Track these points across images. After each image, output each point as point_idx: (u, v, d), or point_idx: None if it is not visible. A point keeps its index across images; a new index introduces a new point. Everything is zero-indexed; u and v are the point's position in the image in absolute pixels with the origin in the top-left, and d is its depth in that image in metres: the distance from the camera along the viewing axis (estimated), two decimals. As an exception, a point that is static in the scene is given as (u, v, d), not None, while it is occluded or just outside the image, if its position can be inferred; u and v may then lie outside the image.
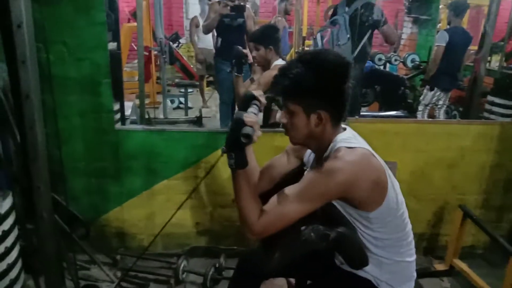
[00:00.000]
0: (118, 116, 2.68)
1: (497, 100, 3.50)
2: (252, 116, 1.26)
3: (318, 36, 3.29)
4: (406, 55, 4.65)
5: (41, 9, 2.00)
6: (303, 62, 1.25)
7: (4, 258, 1.81)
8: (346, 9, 3.09)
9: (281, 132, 1.39)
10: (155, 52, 5.28)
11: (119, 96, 2.69)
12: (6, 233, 1.82)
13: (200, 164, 2.38)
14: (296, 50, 5.95)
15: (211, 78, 6.36)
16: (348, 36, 3.02)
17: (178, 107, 6.01)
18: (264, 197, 1.28)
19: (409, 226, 1.38)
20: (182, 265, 2.30)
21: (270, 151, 1.81)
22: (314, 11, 7.76)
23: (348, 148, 1.24)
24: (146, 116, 3.86)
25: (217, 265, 2.34)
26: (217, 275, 2.32)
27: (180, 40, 7.77)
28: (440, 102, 4.24)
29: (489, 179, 2.55)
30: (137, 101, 3.94)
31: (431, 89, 4.20)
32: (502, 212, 2.64)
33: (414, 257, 1.41)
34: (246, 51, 2.57)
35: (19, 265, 1.95)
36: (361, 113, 3.89)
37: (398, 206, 1.31)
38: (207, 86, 6.66)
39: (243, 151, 1.25)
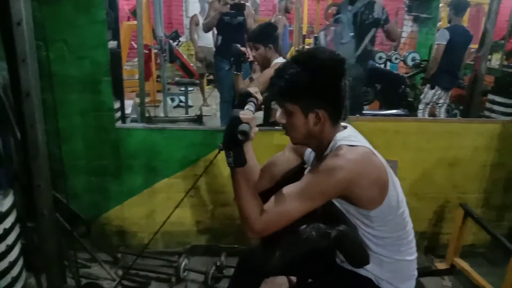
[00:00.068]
0: (118, 114, 2.69)
1: (497, 98, 3.50)
2: (248, 113, 1.25)
3: (321, 34, 3.28)
4: (407, 54, 4.64)
5: (41, 7, 2.00)
6: (297, 62, 1.25)
7: (6, 256, 1.81)
8: (349, 7, 3.08)
9: (281, 130, 1.39)
10: (155, 51, 5.29)
11: (119, 94, 2.70)
12: (7, 231, 1.82)
13: (201, 163, 2.37)
14: (296, 49, 5.94)
15: (211, 77, 6.35)
16: (351, 34, 3.02)
17: (178, 106, 6.01)
18: (264, 196, 1.28)
19: (410, 225, 1.38)
20: (183, 264, 2.30)
21: (270, 149, 1.81)
22: (314, 9, 7.74)
23: (349, 146, 1.24)
24: (147, 115, 3.86)
25: (218, 264, 2.34)
26: (218, 274, 2.32)
27: (180, 38, 7.77)
28: (441, 101, 4.24)
29: (490, 178, 2.54)
30: (138, 100, 3.95)
31: (432, 88, 4.19)
32: (503, 211, 2.64)
33: (415, 256, 1.41)
34: (244, 49, 2.57)
35: (20, 263, 1.95)
36: (361, 112, 3.88)
37: (399, 205, 1.31)
38: (207, 84, 6.66)
39: (241, 149, 1.24)
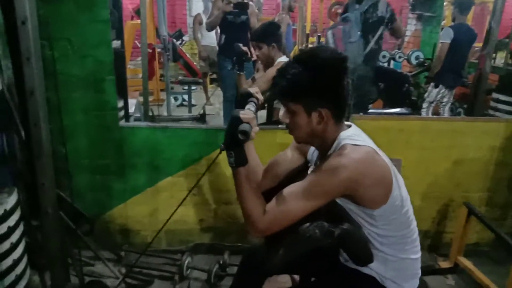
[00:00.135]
0: (122, 113, 2.70)
1: (502, 97, 3.49)
2: (249, 113, 1.25)
3: (329, 33, 3.27)
4: (410, 52, 4.62)
5: (45, 6, 2.01)
6: (299, 62, 1.25)
7: (10, 254, 1.82)
8: (357, 6, 3.07)
9: (284, 129, 1.39)
10: (159, 50, 5.30)
11: (123, 93, 2.71)
12: (12, 229, 1.83)
13: (204, 161, 2.38)
14: (299, 47, 5.94)
15: (214, 75, 6.35)
16: (360, 33, 3.01)
17: (181, 104, 6.01)
18: (268, 195, 1.28)
19: (414, 223, 1.38)
20: (186, 262, 2.31)
21: (273, 148, 1.81)
22: (317, 8, 7.74)
23: (353, 146, 1.24)
24: (150, 113, 3.87)
25: (221, 262, 2.34)
26: (221, 272, 2.32)
27: (184, 38, 7.77)
28: (445, 100, 4.22)
29: (493, 177, 2.54)
30: (141, 99, 3.96)
31: (436, 86, 4.18)
32: (506, 210, 2.63)
33: (419, 254, 1.40)
34: (246, 48, 2.56)
35: (24, 261, 1.96)
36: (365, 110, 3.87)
37: (403, 203, 1.31)
38: (211, 83, 6.66)
39: (242, 149, 1.25)
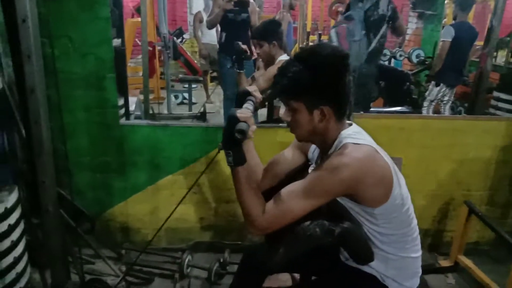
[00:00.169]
0: (122, 111, 2.70)
1: (503, 95, 3.48)
2: (246, 111, 1.25)
3: (333, 32, 3.26)
4: (411, 51, 4.62)
5: (45, 4, 2.01)
6: (300, 60, 1.24)
7: (11, 252, 1.83)
8: (360, 4, 3.06)
9: (285, 127, 1.38)
10: (159, 48, 5.29)
11: (123, 91, 2.71)
12: (12, 227, 1.83)
13: (204, 159, 2.38)
14: (300, 45, 5.94)
15: (215, 74, 6.35)
16: (363, 31, 3.00)
17: (182, 103, 6.00)
18: (268, 194, 1.28)
19: (415, 222, 1.38)
20: (186, 260, 2.31)
21: (273, 147, 1.81)
22: (318, 6, 7.72)
23: (355, 145, 1.23)
24: (150, 111, 3.87)
25: (221, 260, 2.34)
26: (222, 270, 2.32)
27: (184, 35, 7.76)
28: (446, 98, 4.21)
29: (494, 175, 2.53)
30: (141, 97, 3.96)
31: (437, 85, 4.17)
32: (507, 209, 2.62)
33: (419, 253, 1.40)
34: (245, 47, 2.55)
35: (25, 259, 1.96)
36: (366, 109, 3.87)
37: (404, 202, 1.31)
38: (211, 81, 6.65)
39: (240, 148, 1.24)
